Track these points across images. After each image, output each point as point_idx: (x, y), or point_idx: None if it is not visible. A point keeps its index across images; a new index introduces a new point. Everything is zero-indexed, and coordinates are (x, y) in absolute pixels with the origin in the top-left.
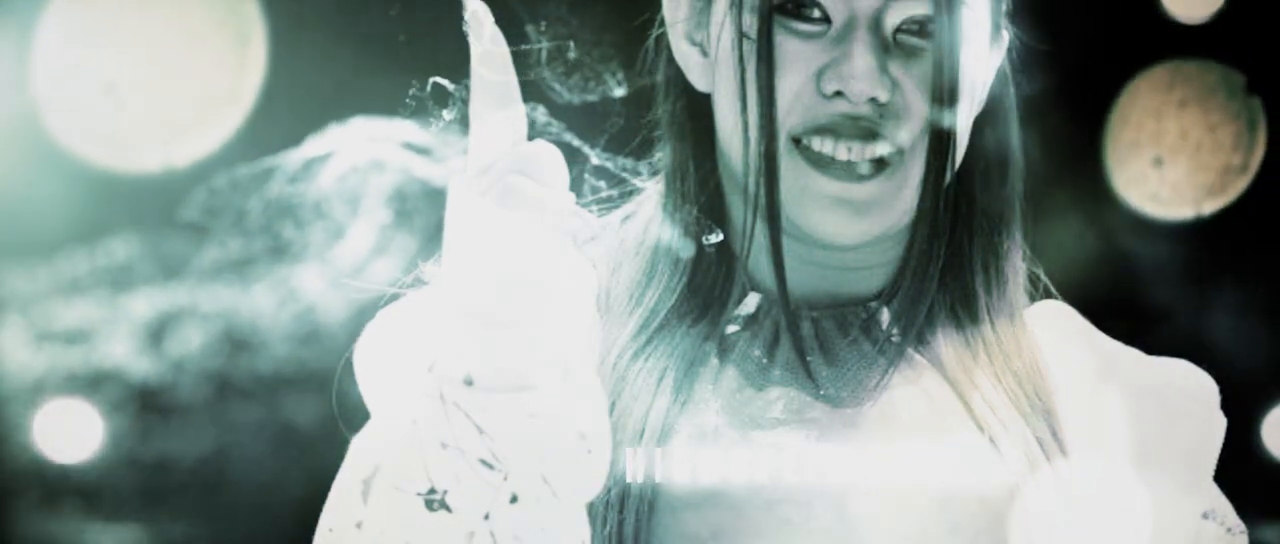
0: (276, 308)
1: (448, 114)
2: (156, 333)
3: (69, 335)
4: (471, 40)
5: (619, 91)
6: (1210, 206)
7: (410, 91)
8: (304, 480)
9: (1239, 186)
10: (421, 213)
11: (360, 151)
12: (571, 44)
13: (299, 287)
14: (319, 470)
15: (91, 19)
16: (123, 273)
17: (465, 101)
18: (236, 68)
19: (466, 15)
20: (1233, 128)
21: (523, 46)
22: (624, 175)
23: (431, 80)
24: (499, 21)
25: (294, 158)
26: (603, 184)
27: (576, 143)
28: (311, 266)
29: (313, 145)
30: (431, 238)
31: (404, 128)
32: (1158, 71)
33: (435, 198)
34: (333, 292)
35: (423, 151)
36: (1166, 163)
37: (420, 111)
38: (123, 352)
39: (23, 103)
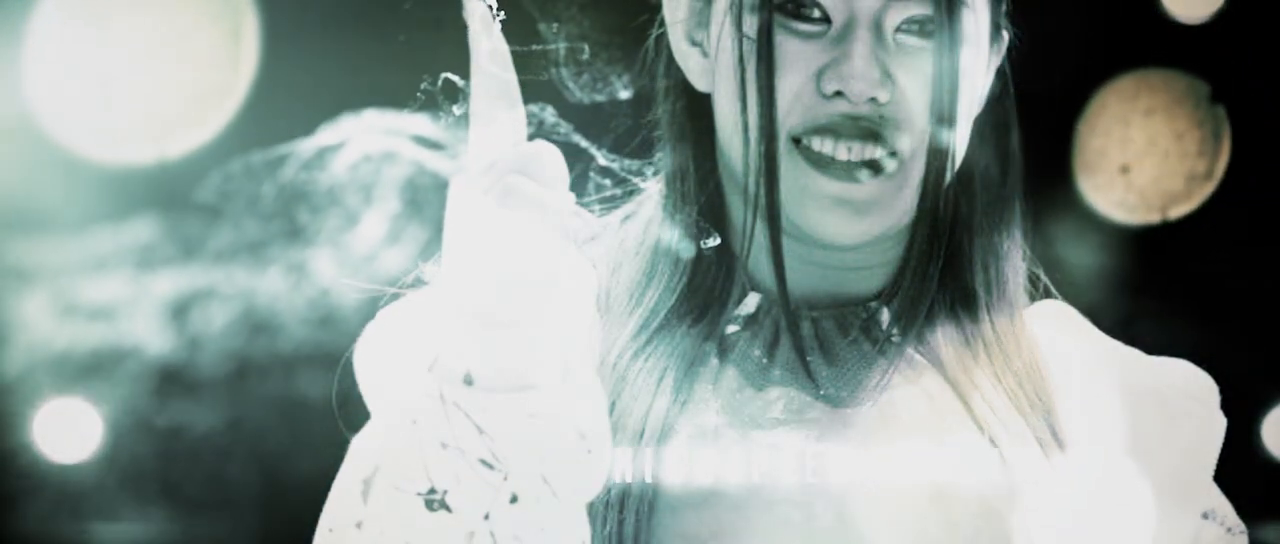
0: (289, 292)
1: (457, 109)
2: (175, 314)
3: (91, 313)
4: (473, 38)
5: (625, 93)
6: (1176, 212)
7: (422, 86)
8: (313, 458)
9: (1204, 193)
10: (430, 205)
11: (371, 142)
12: (583, 45)
13: (309, 273)
14: (329, 449)
15: (85, 13)
16: (124, 257)
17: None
18: (230, 63)
19: (472, 14)
20: (1198, 135)
21: (532, 47)
22: (628, 177)
23: (442, 76)
24: (504, 21)
25: (303, 146)
26: (608, 183)
27: (583, 143)
28: (322, 253)
29: (324, 135)
30: (439, 231)
31: (414, 120)
32: (1124, 81)
33: (443, 191)
34: (342, 278)
35: (432, 145)
36: (1133, 169)
37: (429, 106)
38: (139, 332)
39: (16, 97)
